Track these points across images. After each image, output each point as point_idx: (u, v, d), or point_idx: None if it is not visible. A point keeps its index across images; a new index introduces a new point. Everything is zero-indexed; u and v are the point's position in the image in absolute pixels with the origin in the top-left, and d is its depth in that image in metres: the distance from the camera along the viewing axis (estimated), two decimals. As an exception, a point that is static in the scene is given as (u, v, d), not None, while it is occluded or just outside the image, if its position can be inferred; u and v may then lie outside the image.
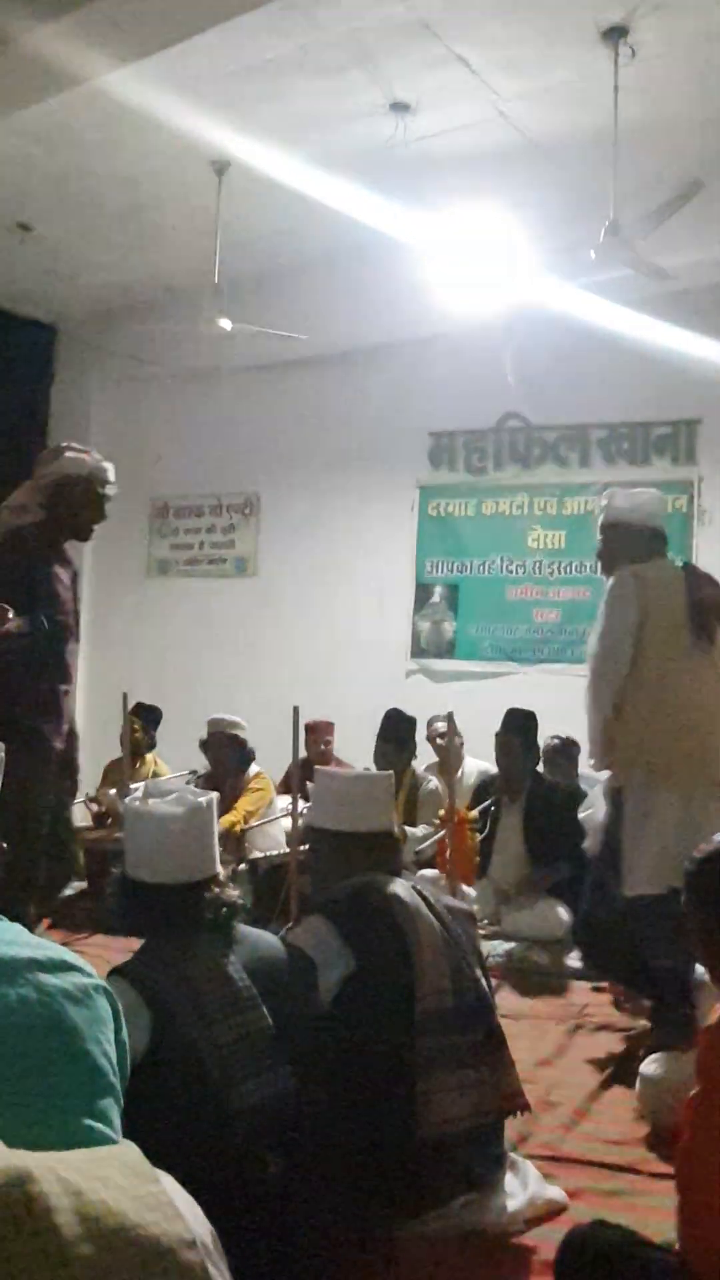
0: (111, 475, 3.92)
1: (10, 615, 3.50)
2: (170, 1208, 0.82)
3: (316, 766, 2.99)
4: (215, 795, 2.34)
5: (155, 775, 6.48)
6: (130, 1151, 0.88)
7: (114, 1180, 0.81)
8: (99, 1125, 1.01)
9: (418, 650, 7.38)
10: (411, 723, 5.92)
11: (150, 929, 2.21)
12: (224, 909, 2.20)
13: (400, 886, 2.54)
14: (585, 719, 3.74)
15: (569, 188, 5.72)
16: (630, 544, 3.79)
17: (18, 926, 1.16)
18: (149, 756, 6.59)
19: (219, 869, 2.27)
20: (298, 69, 4.94)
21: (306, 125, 5.44)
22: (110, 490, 3.91)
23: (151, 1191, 0.82)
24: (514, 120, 5.35)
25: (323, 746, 6.27)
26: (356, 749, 6.19)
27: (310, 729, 5.93)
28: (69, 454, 3.89)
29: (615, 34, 4.60)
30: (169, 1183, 0.84)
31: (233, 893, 2.24)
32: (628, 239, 4.87)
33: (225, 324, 6.07)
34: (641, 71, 4.82)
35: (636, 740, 3.55)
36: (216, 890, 2.22)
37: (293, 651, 7.51)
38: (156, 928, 2.19)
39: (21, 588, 3.68)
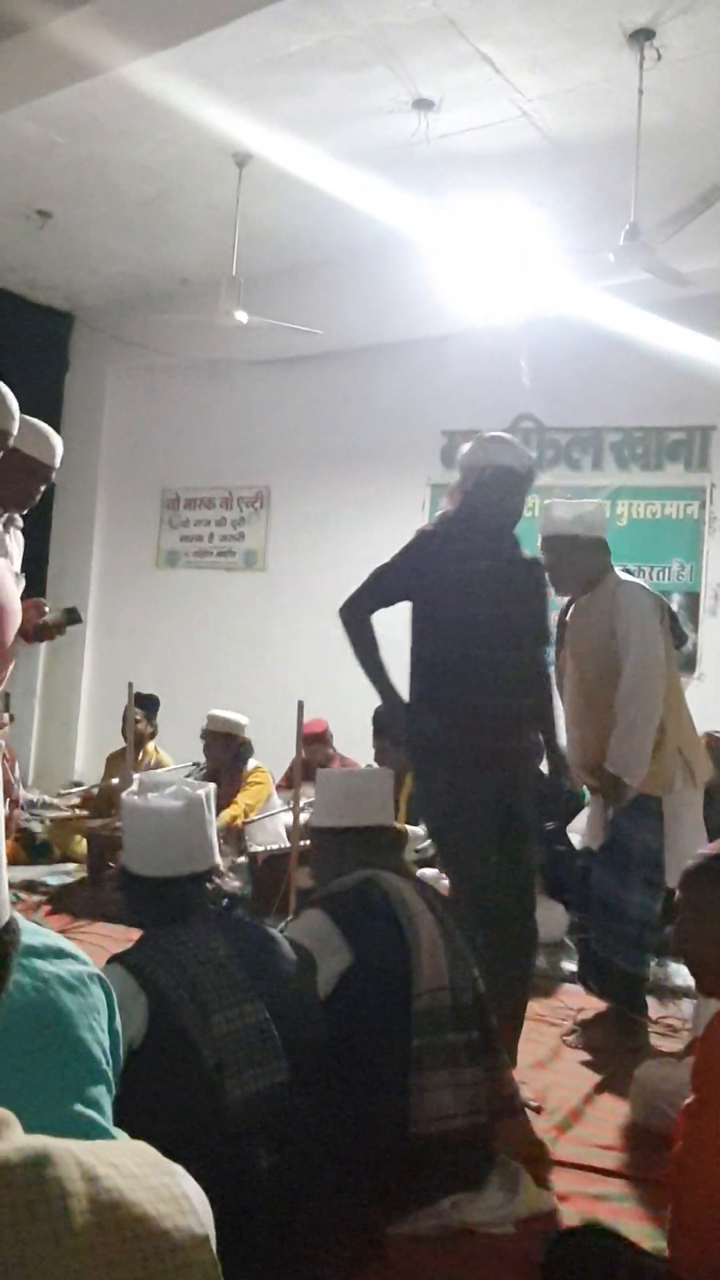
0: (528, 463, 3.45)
1: (46, 609, 3.48)
2: (185, 1201, 0.81)
3: (319, 769, 2.99)
4: (212, 786, 2.35)
5: (158, 765, 6.49)
6: (145, 1145, 0.87)
7: (129, 1169, 0.80)
8: (90, 1112, 1.01)
9: (424, 649, 7.37)
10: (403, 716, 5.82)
11: (152, 920, 2.21)
12: (224, 899, 2.21)
13: (402, 883, 2.54)
14: (584, 734, 3.81)
15: (590, 190, 5.71)
16: (585, 557, 3.80)
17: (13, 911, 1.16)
18: (150, 746, 6.59)
19: (218, 860, 2.27)
20: (321, 63, 4.93)
21: (328, 120, 5.43)
22: (528, 479, 3.42)
23: (166, 1184, 0.81)
24: (537, 120, 5.33)
25: (321, 757, 6.17)
26: (361, 746, 6.18)
27: (308, 739, 5.84)
28: (469, 443, 3.48)
29: (641, 36, 4.58)
30: (184, 1176, 0.83)
31: (234, 883, 2.25)
32: (647, 243, 4.85)
33: (241, 317, 6.07)
34: (666, 75, 4.80)
35: (674, 745, 3.72)
36: (217, 881, 2.22)
37: (299, 646, 7.50)
38: (158, 919, 2.19)
39: (435, 585, 3.28)
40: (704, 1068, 1.70)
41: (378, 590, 3.37)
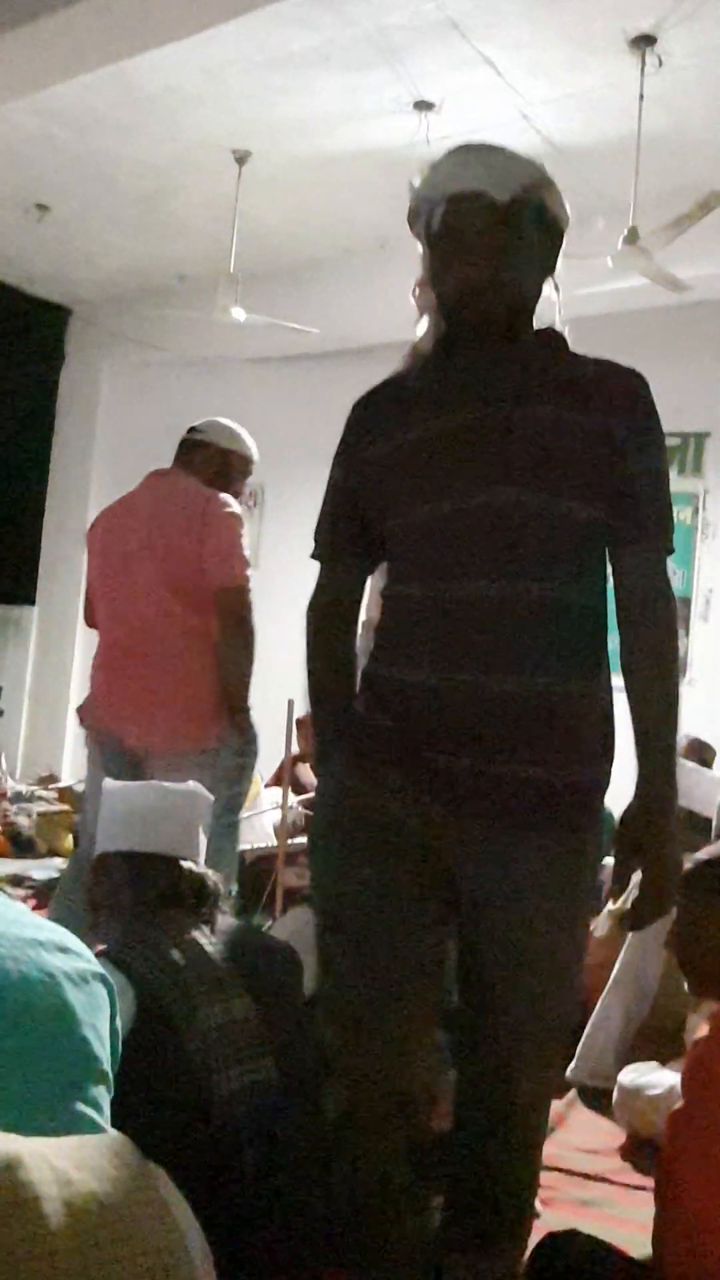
0: None
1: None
2: (162, 1206, 0.81)
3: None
4: (209, 797, 2.34)
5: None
6: (126, 1144, 0.86)
7: (107, 1173, 0.79)
8: (90, 1111, 1.01)
9: (415, 650, 7.37)
10: None
11: (131, 906, 2.16)
12: (204, 885, 2.18)
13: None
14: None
15: (589, 194, 5.71)
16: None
17: (20, 906, 1.15)
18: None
19: (200, 861, 2.25)
20: (323, 63, 4.93)
21: (329, 119, 5.43)
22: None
23: (143, 1188, 0.81)
24: (537, 124, 5.33)
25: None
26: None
27: (300, 724, 5.90)
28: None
29: (643, 43, 4.60)
30: (164, 1181, 0.83)
31: (214, 877, 2.23)
32: (645, 248, 4.86)
33: (238, 314, 6.06)
34: (668, 81, 4.81)
35: None
36: (196, 871, 2.20)
37: (291, 646, 7.48)
38: (138, 904, 2.14)
39: (370, 481, 1.89)
40: (695, 1074, 1.70)
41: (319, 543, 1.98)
